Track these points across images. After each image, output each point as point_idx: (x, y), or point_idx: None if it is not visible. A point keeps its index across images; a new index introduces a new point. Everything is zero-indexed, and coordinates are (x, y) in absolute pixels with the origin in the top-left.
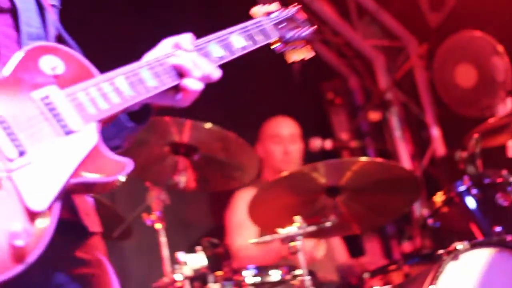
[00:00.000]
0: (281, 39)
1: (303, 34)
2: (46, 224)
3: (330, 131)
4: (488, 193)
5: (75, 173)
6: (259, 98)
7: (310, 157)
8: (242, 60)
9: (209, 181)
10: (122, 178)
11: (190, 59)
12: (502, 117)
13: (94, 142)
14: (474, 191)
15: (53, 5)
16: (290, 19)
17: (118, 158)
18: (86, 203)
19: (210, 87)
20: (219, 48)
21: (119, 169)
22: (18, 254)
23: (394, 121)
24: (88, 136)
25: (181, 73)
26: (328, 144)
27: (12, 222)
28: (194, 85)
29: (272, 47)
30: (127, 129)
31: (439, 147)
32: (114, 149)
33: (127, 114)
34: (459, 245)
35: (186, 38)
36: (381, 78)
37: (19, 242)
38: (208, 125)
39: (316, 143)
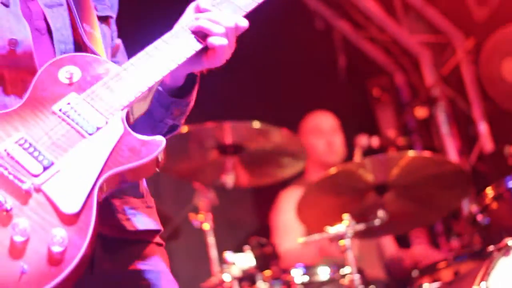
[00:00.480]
0: None
1: None
2: (84, 226)
3: (377, 129)
4: None
5: (105, 167)
6: (304, 95)
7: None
8: (288, 57)
9: (260, 175)
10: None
11: (206, 18)
12: None
13: (120, 133)
14: None
15: (105, 16)
16: None
17: (150, 139)
18: (131, 203)
19: (257, 85)
20: None
21: (152, 149)
22: (59, 260)
23: (441, 117)
24: (114, 128)
25: (203, 34)
26: (374, 141)
27: (49, 230)
28: (217, 41)
29: None
30: (173, 104)
31: (487, 142)
32: (170, 129)
33: (169, 92)
34: (510, 241)
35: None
36: (428, 74)
37: (58, 248)
38: (251, 122)
39: (363, 140)
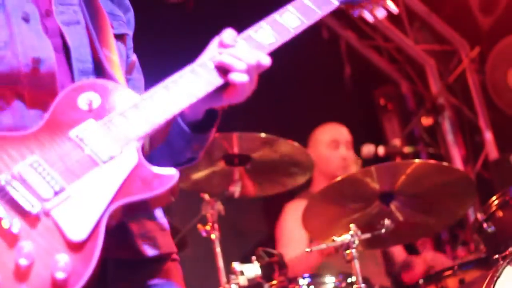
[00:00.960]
0: (348, 4)
1: None
2: (88, 254)
3: (383, 137)
4: None
5: (116, 197)
6: (310, 105)
7: (363, 163)
8: (294, 67)
9: (267, 185)
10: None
11: (228, 54)
12: None
13: (134, 163)
14: None
15: (122, 35)
16: None
17: (164, 171)
18: (147, 227)
19: (263, 95)
20: (270, 33)
21: (165, 182)
22: (61, 287)
23: (447, 126)
24: (128, 158)
25: (225, 70)
26: (381, 150)
27: (54, 255)
28: (238, 77)
29: (350, 12)
30: (193, 139)
31: (492, 150)
32: (188, 161)
33: (189, 125)
34: None
35: (227, 34)
36: (433, 83)
37: (61, 275)
38: (258, 133)
39: (369, 149)
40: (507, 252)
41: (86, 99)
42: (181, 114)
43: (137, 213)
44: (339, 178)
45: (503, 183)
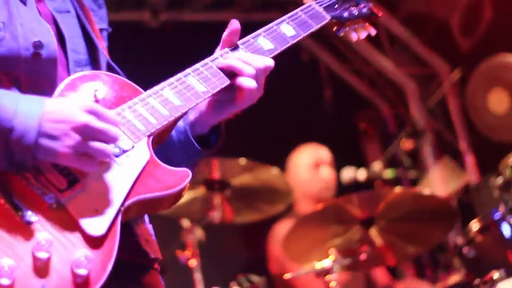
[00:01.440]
0: (338, 20)
1: (362, 11)
2: (108, 250)
3: (364, 161)
4: None
5: (131, 193)
6: (291, 129)
7: (343, 188)
8: (274, 90)
9: (246, 212)
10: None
11: (237, 58)
12: None
13: (146, 158)
14: (510, 218)
15: (101, 29)
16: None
17: (176, 169)
18: (145, 230)
19: (243, 119)
20: (268, 41)
21: (178, 181)
22: (83, 284)
23: (428, 149)
24: (140, 153)
25: (232, 73)
26: (361, 174)
27: (73, 251)
28: (247, 82)
29: (333, 30)
30: (197, 154)
31: (473, 174)
32: None
33: (196, 139)
34: (495, 274)
35: (235, 24)
36: (414, 106)
37: (82, 271)
38: (237, 159)
39: (349, 174)
40: (487, 277)
41: (92, 89)
42: (190, 126)
43: (146, 212)
44: (321, 206)
45: (483, 207)
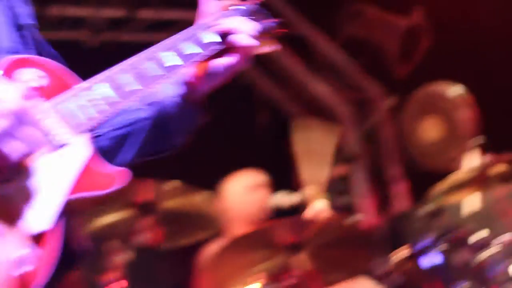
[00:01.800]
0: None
1: (265, 27)
2: (52, 244)
3: (297, 186)
4: (452, 248)
5: (73, 188)
6: (222, 153)
7: (277, 212)
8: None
9: (176, 235)
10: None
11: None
12: (468, 171)
13: (86, 154)
14: (438, 246)
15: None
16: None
17: (113, 169)
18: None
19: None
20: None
21: (114, 181)
22: (28, 280)
23: (360, 176)
24: (80, 148)
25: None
26: (293, 199)
27: (18, 249)
28: (244, 39)
29: None
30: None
31: (404, 201)
32: (170, 148)
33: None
34: None
35: None
36: (348, 131)
37: (28, 268)
38: (168, 182)
39: (282, 198)
40: None
41: (29, 75)
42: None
43: (85, 207)
44: (249, 230)
45: (414, 234)
